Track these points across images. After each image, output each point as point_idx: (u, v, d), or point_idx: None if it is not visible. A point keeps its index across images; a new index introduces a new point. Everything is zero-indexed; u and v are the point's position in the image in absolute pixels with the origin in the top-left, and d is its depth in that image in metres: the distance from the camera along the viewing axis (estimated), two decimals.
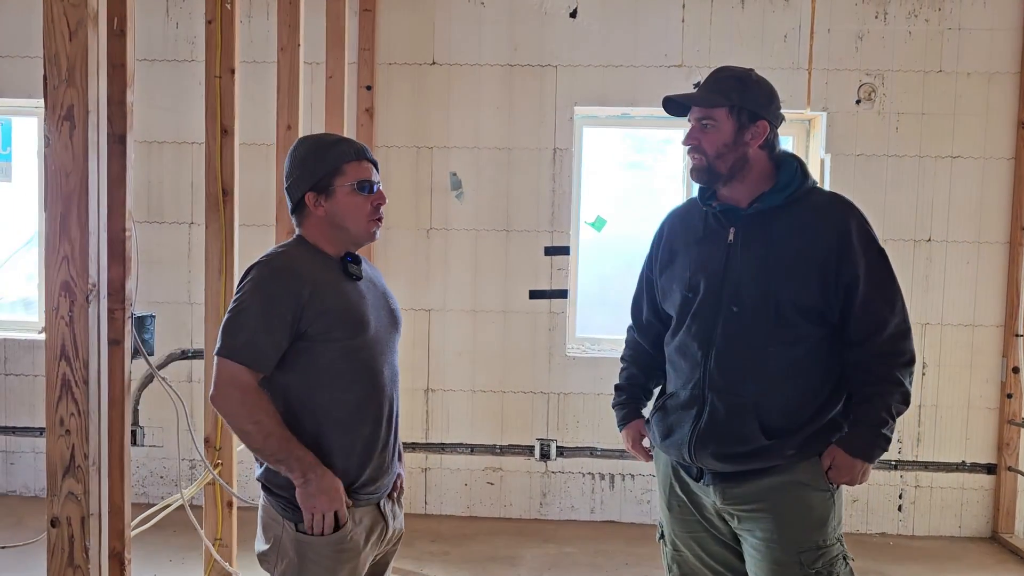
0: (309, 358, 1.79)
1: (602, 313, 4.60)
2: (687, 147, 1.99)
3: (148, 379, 2.88)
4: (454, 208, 4.29)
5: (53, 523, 1.70)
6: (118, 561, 1.89)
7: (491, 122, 4.25)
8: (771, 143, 1.98)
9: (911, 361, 1.94)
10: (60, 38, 1.64)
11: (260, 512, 1.87)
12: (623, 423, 2.24)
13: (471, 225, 4.29)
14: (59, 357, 1.68)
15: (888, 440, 1.92)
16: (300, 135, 3.04)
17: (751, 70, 2.02)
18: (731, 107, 1.92)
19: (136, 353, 1.94)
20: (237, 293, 1.80)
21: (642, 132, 4.62)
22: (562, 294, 4.28)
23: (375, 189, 1.89)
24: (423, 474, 4.37)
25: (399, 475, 1.96)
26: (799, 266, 1.89)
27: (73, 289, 1.67)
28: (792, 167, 1.98)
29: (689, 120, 1.99)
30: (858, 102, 4.15)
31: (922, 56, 4.15)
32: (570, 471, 4.33)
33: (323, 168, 1.84)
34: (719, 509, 1.99)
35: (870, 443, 1.91)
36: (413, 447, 4.35)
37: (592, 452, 4.31)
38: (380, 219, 1.90)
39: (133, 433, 3.94)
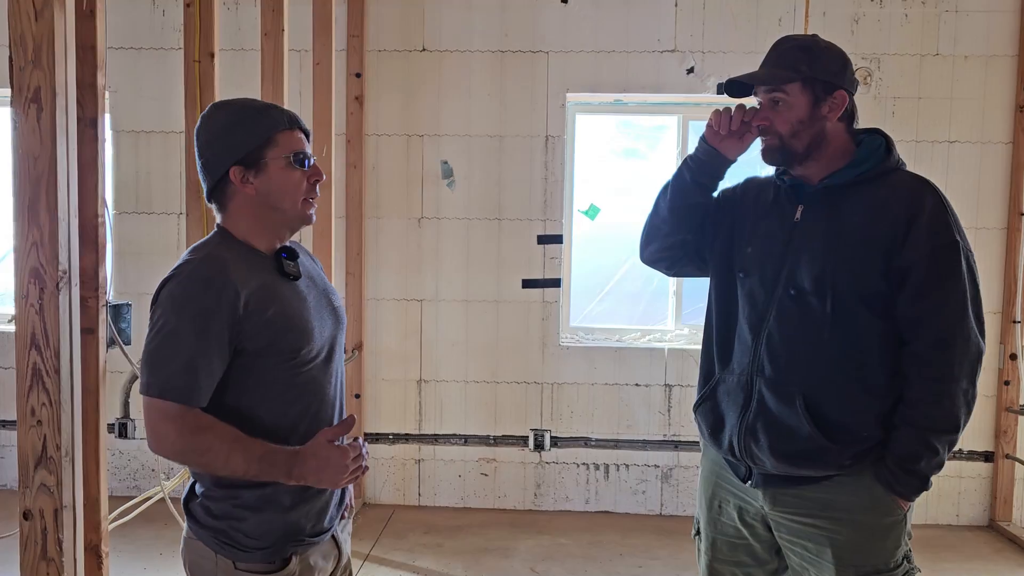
0: (247, 376, 1.54)
1: (596, 302, 4.56)
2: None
3: None
4: (445, 197, 4.24)
5: (26, 516, 1.67)
6: (95, 554, 1.85)
7: (482, 109, 4.20)
8: (850, 114, 1.81)
9: (962, 379, 1.68)
10: (26, 18, 1.60)
11: (183, 548, 1.60)
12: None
13: (463, 214, 4.24)
14: (29, 346, 1.64)
15: (924, 478, 1.71)
16: None
17: (815, 36, 1.85)
18: (804, 80, 1.76)
19: (112, 342, 1.90)
20: (157, 313, 1.51)
21: (636, 119, 4.57)
22: (555, 283, 4.24)
23: (311, 163, 1.63)
24: (416, 465, 4.33)
25: (348, 492, 1.77)
26: (863, 248, 1.72)
27: (43, 276, 1.63)
28: (875, 143, 1.81)
29: (756, 97, 1.84)
30: None
31: (919, 39, 4.10)
32: (564, 461, 4.29)
33: (252, 138, 1.56)
34: (766, 515, 1.84)
35: (899, 480, 1.71)
36: (406, 438, 4.32)
37: (586, 442, 4.27)
38: (315, 198, 1.64)
39: (124, 426, 3.90)
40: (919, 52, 4.10)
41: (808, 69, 1.77)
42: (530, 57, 4.17)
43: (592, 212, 4.47)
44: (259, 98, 2.98)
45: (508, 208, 4.23)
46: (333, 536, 1.71)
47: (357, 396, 4.28)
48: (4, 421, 4.38)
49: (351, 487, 1.77)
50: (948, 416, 1.70)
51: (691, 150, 1.96)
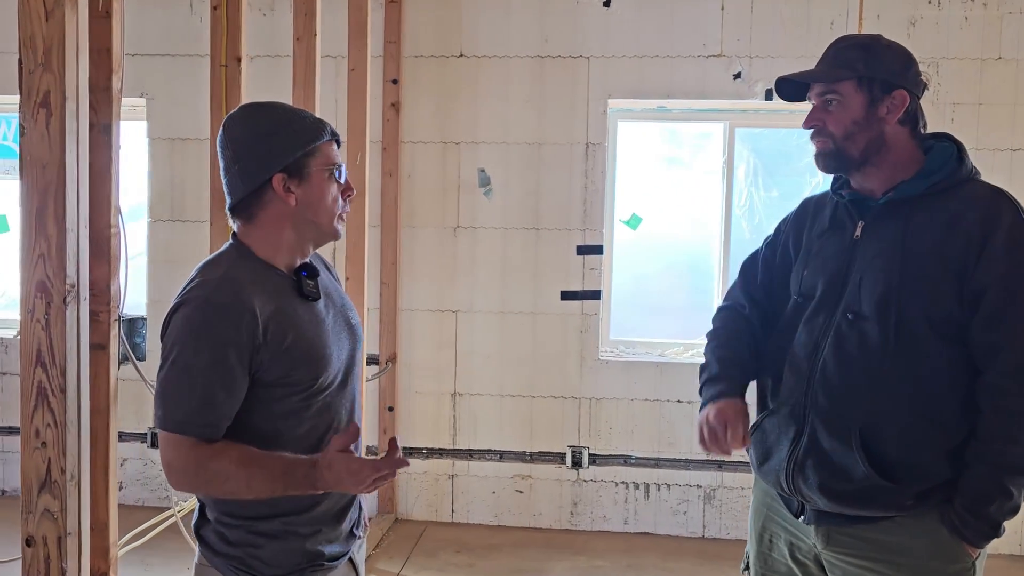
0: (261, 405, 1.47)
1: (638, 315, 4.41)
2: (809, 131, 1.68)
3: None
4: (482, 205, 4.13)
5: (28, 542, 1.58)
6: None
7: (520, 116, 4.08)
8: (913, 117, 1.65)
9: None
10: (36, 19, 1.52)
11: (195, 575, 1.54)
12: (717, 397, 1.72)
13: (499, 223, 4.13)
14: (35, 363, 1.56)
15: (996, 524, 1.54)
16: None
17: (878, 35, 1.71)
18: (859, 78, 1.61)
19: (125, 359, 1.82)
20: (170, 342, 1.43)
21: (680, 126, 4.41)
22: (595, 295, 4.10)
23: (345, 177, 1.57)
24: (450, 481, 4.22)
25: (363, 511, 1.69)
26: (934, 268, 1.55)
27: (49, 290, 1.55)
28: (947, 152, 1.64)
29: (809, 99, 1.69)
30: None
31: (979, 43, 3.88)
32: (603, 480, 4.14)
33: (298, 145, 1.48)
34: (819, 554, 1.67)
35: (967, 524, 1.54)
36: (440, 453, 4.21)
37: (626, 460, 4.12)
38: (347, 214, 1.59)
39: (156, 435, 3.88)
40: (980, 56, 3.88)
41: (864, 67, 1.62)
42: (570, 62, 4.05)
43: (634, 222, 4.33)
44: (291, 103, 2.90)
45: (546, 217, 4.11)
46: (351, 559, 1.64)
47: (390, 409, 4.19)
48: (10, 428, 4.35)
49: (365, 507, 1.71)
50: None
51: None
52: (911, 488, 1.57)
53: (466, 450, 4.20)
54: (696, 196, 4.40)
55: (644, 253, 4.42)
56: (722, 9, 3.97)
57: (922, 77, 1.69)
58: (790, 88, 1.71)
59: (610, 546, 3.95)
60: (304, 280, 1.54)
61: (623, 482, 4.13)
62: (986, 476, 1.53)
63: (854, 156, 1.64)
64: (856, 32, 3.88)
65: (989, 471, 1.53)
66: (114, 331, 1.76)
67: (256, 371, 1.44)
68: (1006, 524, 1.57)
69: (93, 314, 1.71)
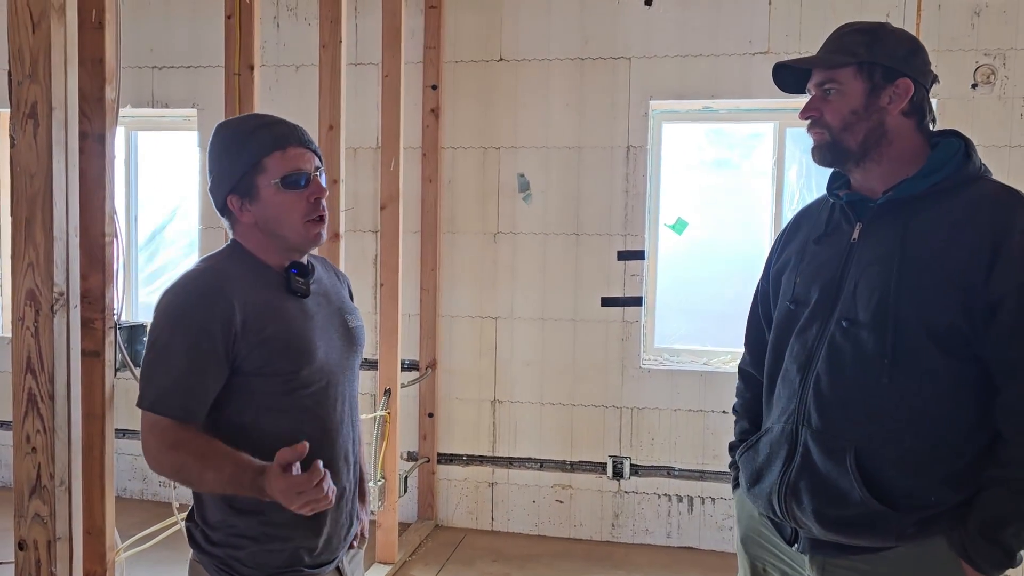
0: (244, 396, 1.48)
1: (684, 322, 4.28)
2: (807, 121, 1.56)
3: None
4: (522, 211, 4.08)
5: (20, 546, 1.61)
6: None
7: (560, 120, 4.02)
8: (919, 108, 1.52)
9: None
10: (23, 31, 1.55)
11: (188, 572, 1.57)
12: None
13: (539, 229, 4.07)
14: (25, 370, 1.58)
15: (1010, 552, 1.39)
16: (342, 135, 2.92)
17: (885, 22, 1.58)
18: (859, 64, 1.49)
19: (123, 366, 1.83)
20: (153, 326, 1.48)
21: (728, 127, 4.27)
22: (636, 302, 4.00)
23: (308, 180, 1.52)
24: (490, 489, 4.18)
25: (361, 521, 1.69)
26: (935, 276, 1.42)
27: (38, 298, 1.57)
28: (953, 147, 1.51)
29: (809, 90, 1.58)
30: (974, 86, 3.67)
31: None
32: (644, 491, 4.03)
33: (241, 165, 1.50)
34: None
35: (978, 548, 1.40)
36: (480, 460, 4.17)
37: (669, 472, 3.99)
38: (322, 216, 1.54)
39: None
40: None
41: (866, 52, 1.49)
42: (611, 64, 3.96)
43: (679, 227, 4.21)
44: (318, 109, 2.92)
45: (587, 223, 4.03)
46: (338, 568, 1.64)
47: (430, 415, 4.17)
48: (2, 422, 4.57)
49: (366, 515, 1.73)
50: None
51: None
52: (913, 515, 1.43)
53: (506, 458, 4.15)
54: (746, 199, 4.25)
55: (692, 258, 4.29)
56: (769, 4, 3.83)
57: (931, 67, 1.56)
58: (789, 80, 1.60)
59: (651, 560, 3.84)
60: (294, 277, 1.57)
61: (666, 494, 4.01)
62: (1005, 500, 1.39)
63: (852, 148, 1.52)
64: (914, 23, 3.69)
65: (1009, 495, 1.39)
66: (109, 339, 1.77)
67: (235, 359, 1.47)
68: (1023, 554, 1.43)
69: (88, 321, 1.73)
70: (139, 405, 1.47)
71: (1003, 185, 1.50)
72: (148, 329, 1.51)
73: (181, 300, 1.48)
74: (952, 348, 1.43)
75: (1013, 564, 1.41)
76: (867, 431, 1.46)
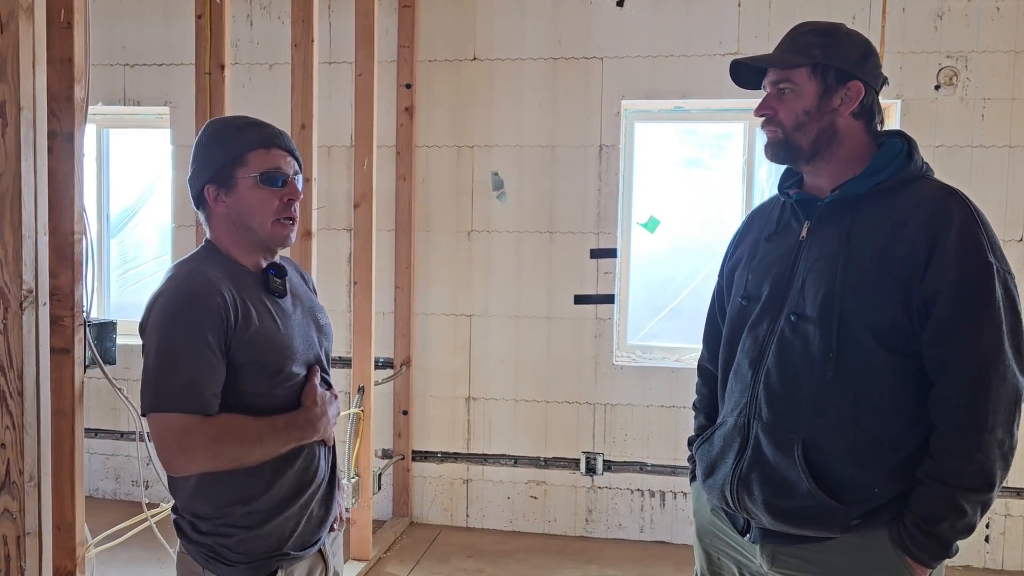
0: (232, 388, 1.53)
1: (656, 319, 4.33)
2: (761, 119, 1.60)
3: None
4: (496, 209, 4.12)
5: None
6: None
7: (534, 119, 4.06)
8: (869, 111, 1.57)
9: (997, 427, 1.41)
10: None
11: (176, 563, 1.62)
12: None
13: (513, 227, 4.11)
14: None
15: (947, 543, 1.44)
16: (315, 134, 2.94)
17: (840, 23, 1.62)
18: (813, 66, 1.53)
19: (92, 363, 1.85)
20: (150, 334, 1.51)
21: (699, 127, 4.32)
22: (609, 299, 4.04)
23: (285, 182, 1.60)
24: (464, 485, 4.21)
25: (339, 505, 1.75)
26: (876, 272, 1.47)
27: (7, 295, 1.58)
28: (895, 148, 1.56)
29: (764, 87, 1.62)
30: (937, 87, 3.75)
31: (1012, 34, 3.71)
32: (618, 487, 4.08)
33: (224, 156, 1.57)
34: (766, 574, 1.60)
35: (916, 542, 1.44)
36: (455, 457, 4.20)
37: (642, 467, 4.05)
38: (292, 219, 1.61)
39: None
40: (1013, 48, 3.71)
41: (821, 54, 1.54)
42: (584, 64, 4.01)
43: (651, 225, 4.26)
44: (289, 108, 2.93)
45: (560, 221, 4.07)
46: (320, 550, 1.70)
47: (405, 413, 4.20)
48: None
49: (343, 499, 1.81)
50: (980, 472, 1.42)
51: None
52: (857, 507, 1.49)
53: (480, 455, 4.18)
54: (717, 197, 4.31)
55: (664, 256, 4.35)
56: (739, 6, 3.89)
57: (881, 70, 1.61)
58: (745, 77, 1.65)
59: (624, 555, 3.89)
60: (272, 278, 1.64)
61: (639, 489, 4.07)
62: (938, 494, 1.44)
63: (803, 148, 1.57)
64: (879, 26, 3.76)
65: (942, 489, 1.44)
66: (78, 336, 1.79)
67: (229, 351, 1.52)
68: (959, 543, 1.48)
69: (57, 319, 1.74)
70: (153, 410, 1.48)
71: (942, 184, 1.55)
72: (145, 338, 1.52)
73: (179, 301, 1.52)
74: (894, 344, 1.47)
75: (950, 554, 1.47)
76: (814, 424, 1.51)
